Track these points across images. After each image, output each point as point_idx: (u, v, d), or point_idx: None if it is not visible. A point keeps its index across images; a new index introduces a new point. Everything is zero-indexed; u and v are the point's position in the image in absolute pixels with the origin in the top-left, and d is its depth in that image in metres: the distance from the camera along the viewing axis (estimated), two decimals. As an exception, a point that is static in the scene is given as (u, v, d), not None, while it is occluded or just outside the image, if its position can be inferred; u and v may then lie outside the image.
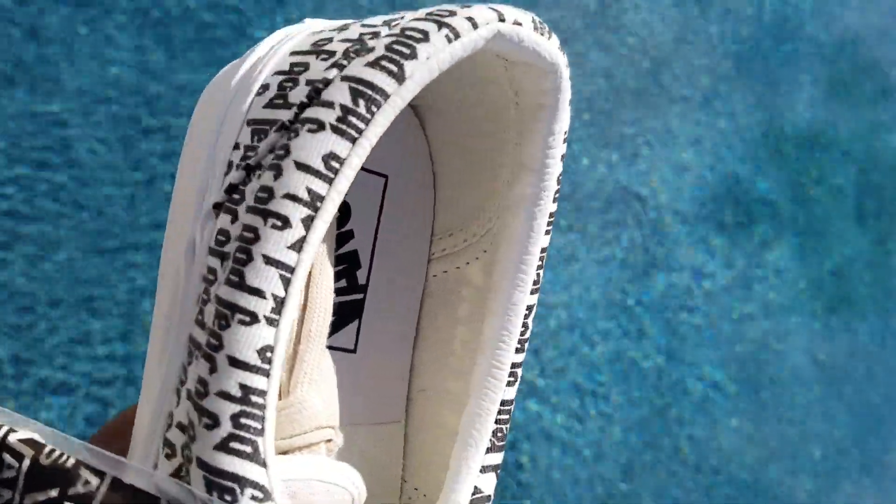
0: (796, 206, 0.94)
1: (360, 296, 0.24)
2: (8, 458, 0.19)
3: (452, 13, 0.19)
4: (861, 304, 0.97)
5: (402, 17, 0.19)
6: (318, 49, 0.20)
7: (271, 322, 0.17)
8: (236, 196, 0.18)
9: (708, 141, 0.91)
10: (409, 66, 0.18)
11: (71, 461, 0.18)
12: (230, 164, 0.19)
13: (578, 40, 0.86)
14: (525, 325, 0.23)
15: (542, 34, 0.20)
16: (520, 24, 0.19)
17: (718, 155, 0.91)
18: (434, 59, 0.18)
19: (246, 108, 0.19)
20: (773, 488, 0.85)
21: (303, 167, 0.17)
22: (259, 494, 0.17)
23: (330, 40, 0.20)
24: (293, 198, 0.17)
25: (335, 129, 0.17)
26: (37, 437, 0.19)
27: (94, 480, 0.18)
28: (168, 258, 0.20)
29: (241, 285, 0.17)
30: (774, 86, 0.96)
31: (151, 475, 0.18)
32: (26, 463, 0.19)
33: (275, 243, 0.17)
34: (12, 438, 0.19)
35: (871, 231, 1.00)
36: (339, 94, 0.18)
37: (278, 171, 0.17)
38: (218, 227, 0.18)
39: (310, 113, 0.18)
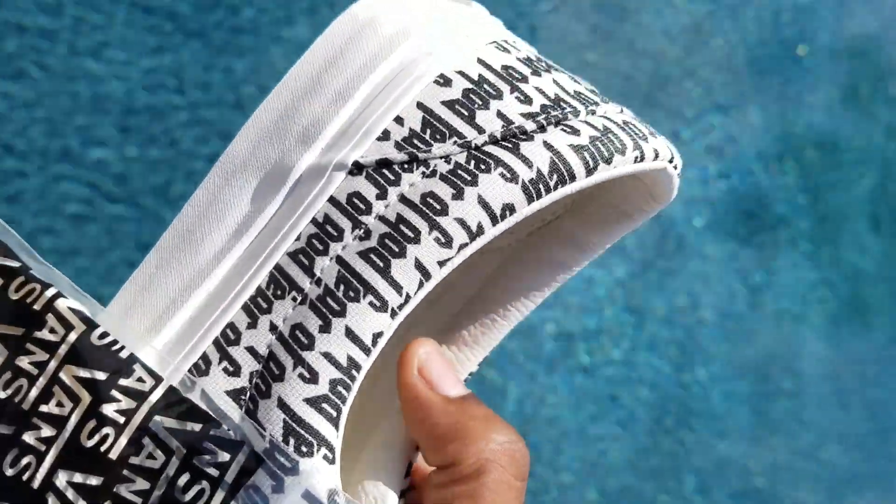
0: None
1: None
2: (52, 321, 0.18)
3: (645, 137, 0.21)
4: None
5: (598, 105, 0.21)
6: (510, 79, 0.21)
7: (394, 315, 0.19)
8: (388, 174, 0.19)
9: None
10: (601, 166, 0.20)
11: (126, 352, 0.18)
12: (387, 134, 0.20)
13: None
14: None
15: (680, 178, 0.23)
16: (676, 168, 0.22)
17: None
18: (618, 169, 0.21)
19: (419, 89, 0.20)
20: None
21: (484, 205, 0.19)
22: (330, 455, 0.18)
23: (523, 78, 0.21)
24: (463, 224, 0.19)
25: (524, 189, 0.19)
26: (87, 312, 0.19)
27: (149, 381, 0.18)
28: (237, 156, 0.20)
29: (384, 273, 0.19)
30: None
31: (213, 397, 0.18)
32: (73, 336, 0.18)
33: (431, 254, 0.19)
34: (61, 304, 0.19)
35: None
36: (539, 158, 0.20)
37: (458, 193, 0.19)
38: (355, 189, 0.19)
39: (504, 157, 0.20)
